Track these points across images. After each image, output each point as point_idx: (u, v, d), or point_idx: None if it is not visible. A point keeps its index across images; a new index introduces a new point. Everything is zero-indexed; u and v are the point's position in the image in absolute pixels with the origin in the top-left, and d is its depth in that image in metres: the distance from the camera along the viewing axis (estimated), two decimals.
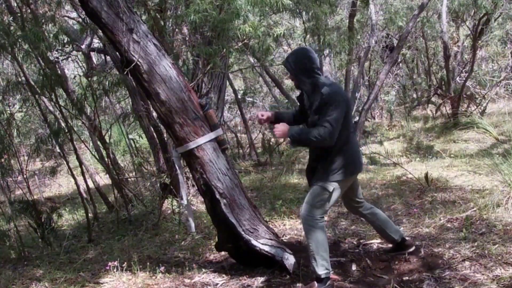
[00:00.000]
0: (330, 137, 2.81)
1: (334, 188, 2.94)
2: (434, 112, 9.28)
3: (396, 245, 3.36)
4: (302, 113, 3.20)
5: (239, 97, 8.61)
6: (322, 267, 2.94)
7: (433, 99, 10.13)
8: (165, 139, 5.28)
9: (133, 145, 6.62)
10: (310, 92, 2.96)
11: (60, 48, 4.77)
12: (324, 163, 2.95)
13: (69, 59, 5.62)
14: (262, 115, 3.27)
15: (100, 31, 3.41)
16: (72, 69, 8.35)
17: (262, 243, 3.20)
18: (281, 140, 8.33)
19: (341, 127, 2.87)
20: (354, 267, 3.28)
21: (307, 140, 2.87)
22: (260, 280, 3.22)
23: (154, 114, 4.84)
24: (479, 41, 9.01)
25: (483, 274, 2.91)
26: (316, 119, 2.89)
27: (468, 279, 2.87)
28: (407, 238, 3.42)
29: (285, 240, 3.86)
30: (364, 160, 6.83)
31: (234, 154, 8.09)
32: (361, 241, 3.75)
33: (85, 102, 4.89)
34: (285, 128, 2.95)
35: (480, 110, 8.43)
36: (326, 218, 4.41)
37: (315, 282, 2.96)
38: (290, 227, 4.34)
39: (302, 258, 3.34)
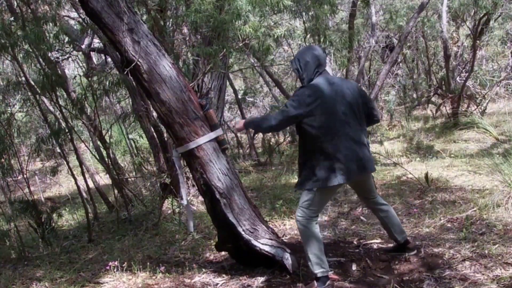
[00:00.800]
0: (274, 120, 2.91)
1: (317, 189, 2.91)
2: (434, 112, 9.28)
3: (398, 245, 3.36)
4: None
5: (239, 97, 8.62)
6: (317, 265, 2.94)
7: (433, 99, 10.13)
8: (165, 139, 5.28)
9: (133, 145, 6.62)
10: None
11: (60, 48, 4.77)
12: (305, 168, 2.95)
13: (69, 59, 5.62)
14: None
15: (100, 31, 3.41)
16: (73, 69, 8.36)
17: (262, 243, 3.20)
18: (281, 140, 8.32)
19: (320, 131, 2.84)
20: (354, 267, 3.28)
21: (259, 122, 3.06)
22: (260, 280, 3.22)
23: (154, 114, 4.84)
24: (479, 41, 9.00)
25: (483, 274, 2.91)
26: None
27: (468, 279, 2.87)
28: (410, 241, 3.41)
29: (285, 240, 3.86)
30: None
31: (234, 154, 8.09)
32: (361, 241, 3.74)
33: (86, 102, 4.89)
34: (242, 120, 3.19)
35: (480, 110, 8.42)
36: (326, 218, 4.42)
37: (315, 282, 2.96)
38: (290, 227, 4.34)
39: (302, 258, 3.34)
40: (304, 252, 3.00)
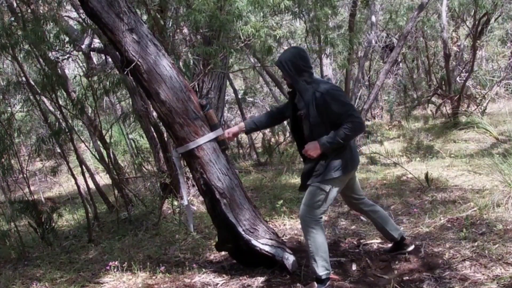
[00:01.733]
0: (361, 123, 2.85)
1: (330, 187, 2.93)
2: (434, 112, 9.29)
3: (396, 244, 3.37)
4: (288, 110, 3.16)
5: (240, 97, 8.62)
6: (322, 267, 2.94)
7: (433, 99, 10.14)
8: (165, 139, 5.28)
9: (133, 145, 6.62)
10: (303, 91, 2.93)
11: (60, 48, 4.77)
12: (322, 162, 2.94)
13: (69, 59, 5.61)
14: (229, 133, 3.26)
15: (100, 31, 3.41)
16: (73, 69, 8.35)
17: (262, 243, 3.20)
18: (281, 140, 8.33)
19: (338, 125, 2.87)
20: (354, 267, 3.28)
21: (343, 139, 2.84)
22: (260, 280, 3.22)
23: (154, 114, 4.84)
24: (479, 41, 9.01)
25: (483, 274, 2.91)
26: (323, 119, 2.86)
27: (468, 279, 2.88)
28: (406, 237, 3.43)
29: (285, 240, 3.86)
30: (364, 160, 6.83)
31: (234, 154, 8.09)
32: (361, 241, 3.75)
33: (86, 102, 4.89)
34: (316, 145, 2.88)
35: (480, 110, 8.43)
36: (325, 218, 4.42)
37: (315, 283, 2.96)
38: (290, 227, 4.34)
39: (302, 258, 3.34)
40: (308, 252, 2.99)
